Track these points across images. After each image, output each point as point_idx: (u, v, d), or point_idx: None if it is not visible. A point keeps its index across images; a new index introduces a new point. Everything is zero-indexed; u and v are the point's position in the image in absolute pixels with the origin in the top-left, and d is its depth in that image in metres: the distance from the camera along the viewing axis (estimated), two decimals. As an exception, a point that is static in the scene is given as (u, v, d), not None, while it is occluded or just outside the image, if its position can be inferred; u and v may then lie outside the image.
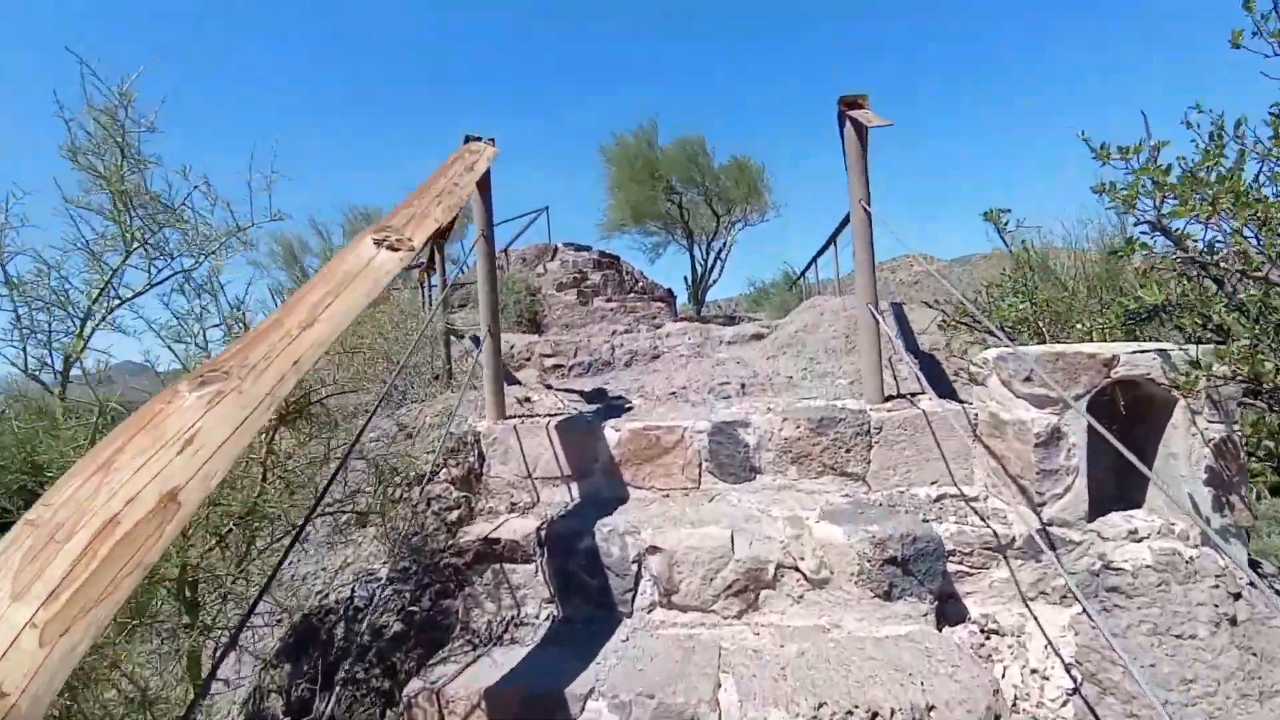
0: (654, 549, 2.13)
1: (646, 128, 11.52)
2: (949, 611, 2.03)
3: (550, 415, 2.94)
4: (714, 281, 12.00)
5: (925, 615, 1.93)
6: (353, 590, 2.43)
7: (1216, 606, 1.78)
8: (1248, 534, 2.05)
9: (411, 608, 2.29)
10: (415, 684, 1.86)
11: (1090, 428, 1.94)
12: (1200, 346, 1.95)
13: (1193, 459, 1.96)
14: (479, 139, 2.64)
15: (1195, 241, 2.32)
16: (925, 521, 2.11)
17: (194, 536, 1.68)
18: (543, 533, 2.27)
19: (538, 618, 2.19)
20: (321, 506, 2.31)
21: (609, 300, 8.14)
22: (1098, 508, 2.03)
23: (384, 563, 2.47)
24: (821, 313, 4.55)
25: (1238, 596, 1.83)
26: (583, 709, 1.69)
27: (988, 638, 1.95)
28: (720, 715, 1.61)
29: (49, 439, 1.51)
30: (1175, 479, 1.98)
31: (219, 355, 1.14)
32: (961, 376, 3.47)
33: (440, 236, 3.89)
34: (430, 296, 5.36)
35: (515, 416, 2.96)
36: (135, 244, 1.78)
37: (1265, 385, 2.05)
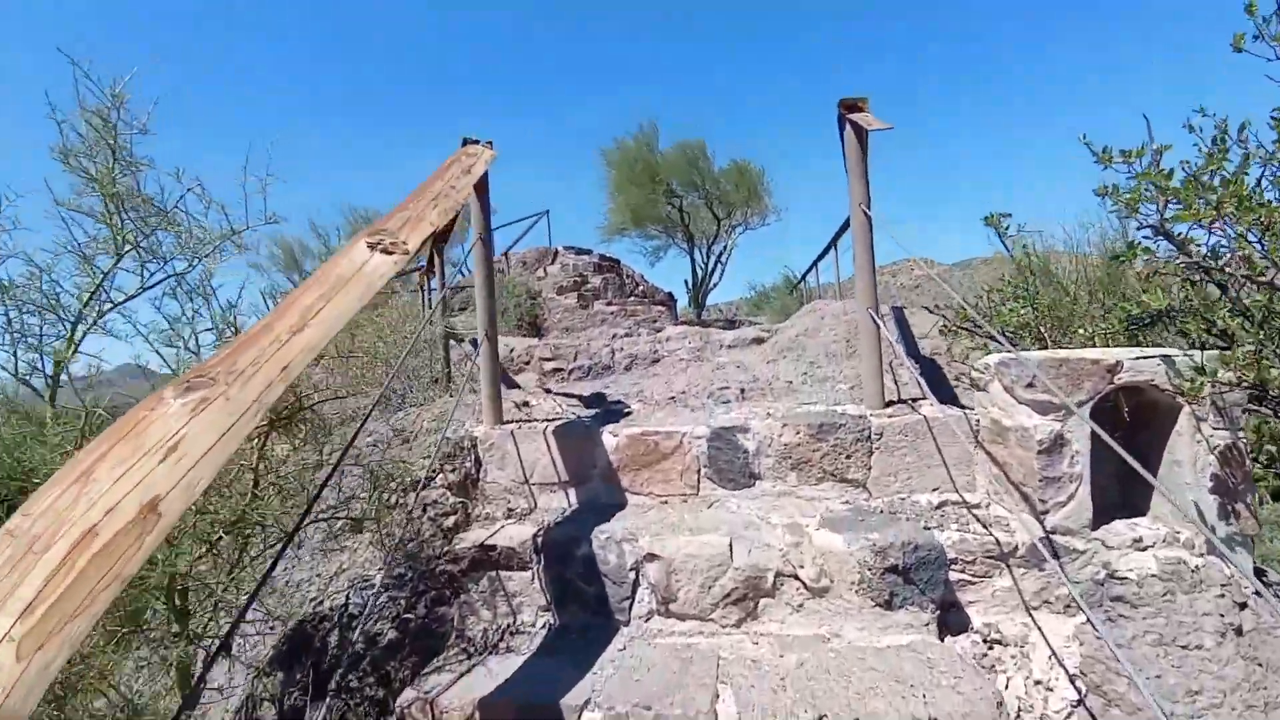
0: (652, 556, 2.10)
1: (647, 131, 11.53)
2: (951, 621, 2.00)
3: (548, 420, 2.92)
4: (714, 285, 12.01)
5: (927, 625, 1.90)
6: (347, 597, 2.40)
7: (1222, 616, 1.76)
8: (1253, 542, 2.02)
9: (407, 615, 2.27)
10: (409, 693, 1.84)
11: (1094, 434, 1.91)
12: (1205, 352, 1.93)
13: (1198, 466, 1.93)
14: (476, 141, 2.62)
15: (1199, 246, 2.30)
16: (927, 529, 2.09)
17: (182, 544, 1.65)
18: (539, 539, 2.25)
19: (534, 626, 2.16)
20: (315, 513, 2.28)
21: (609, 304, 8.11)
22: (1101, 515, 2.00)
23: (379, 569, 2.44)
24: (822, 317, 4.53)
25: (1243, 606, 1.80)
26: (578, 720, 1.66)
27: (991, 648, 1.93)
28: (718, 727, 1.59)
29: (36, 445, 1.49)
30: (1180, 486, 1.95)
31: (206, 361, 1.12)
32: (963, 382, 3.44)
33: (440, 239, 3.87)
34: (430, 300, 5.34)
35: (513, 421, 2.93)
36: (127, 247, 1.76)
37: (1271, 391, 2.02)
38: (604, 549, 2.16)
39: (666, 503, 2.54)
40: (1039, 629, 1.93)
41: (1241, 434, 1.98)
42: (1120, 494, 2.13)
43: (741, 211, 11.53)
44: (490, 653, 2.04)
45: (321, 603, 2.44)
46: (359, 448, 2.91)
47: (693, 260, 11.94)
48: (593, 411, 3.32)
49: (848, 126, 2.64)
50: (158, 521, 0.85)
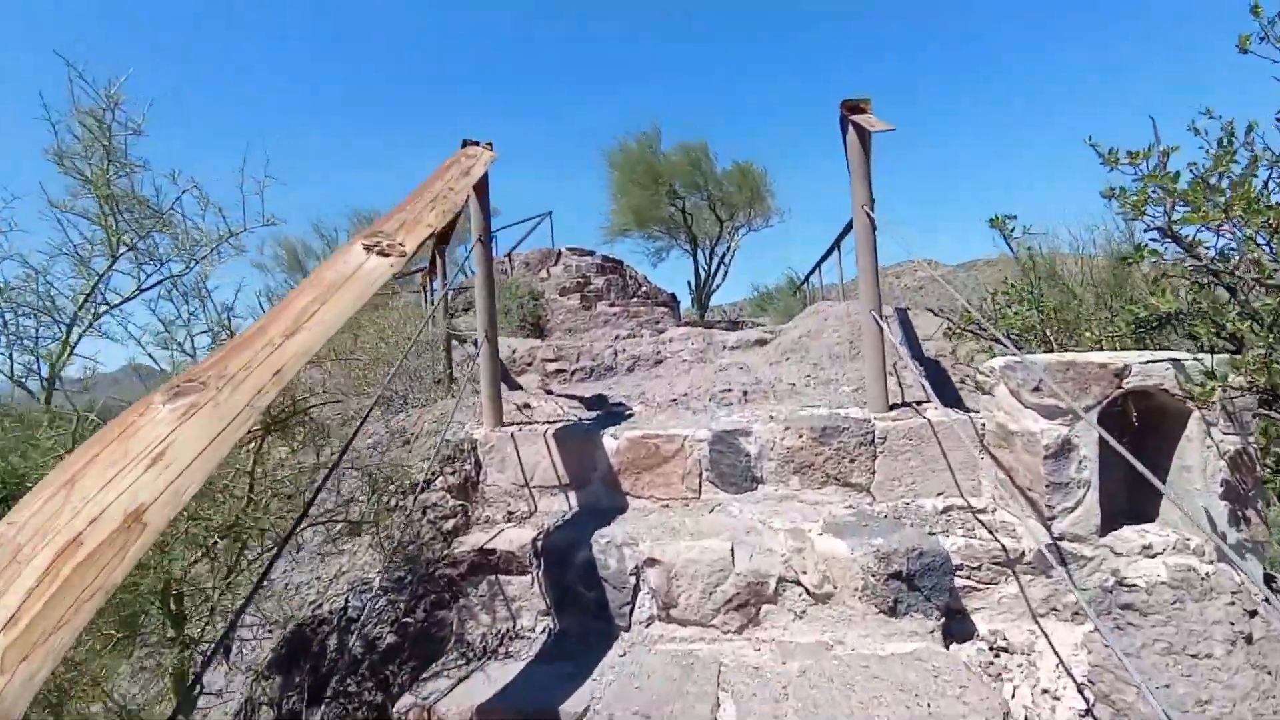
0: (652, 561, 2.08)
1: (649, 133, 11.52)
2: (956, 628, 1.97)
3: (548, 423, 2.90)
4: (717, 286, 11.99)
5: (932, 632, 1.87)
6: (346, 600, 2.38)
7: (1232, 624, 1.73)
8: (1263, 548, 1.99)
9: (406, 619, 2.25)
10: (407, 699, 1.82)
11: (1102, 440, 1.88)
12: (1215, 356, 1.90)
13: (1208, 472, 1.90)
14: (476, 143, 2.60)
15: (1207, 249, 2.27)
16: (931, 534, 2.06)
17: (175, 550, 1.63)
18: (539, 543, 2.23)
19: (534, 630, 2.14)
20: (311, 516, 2.27)
21: (612, 305, 8.10)
22: (1110, 521, 1.97)
23: (379, 572, 2.43)
24: (825, 318, 4.50)
25: (1253, 614, 1.77)
26: (577, 729, 1.64)
27: (997, 656, 1.90)
28: (719, 737, 1.56)
29: (29, 449, 1.48)
30: (1190, 492, 1.92)
31: (197, 365, 1.10)
32: (968, 384, 3.41)
33: (442, 240, 3.86)
34: (433, 300, 5.33)
35: (513, 424, 2.91)
36: (123, 249, 1.74)
37: (1282, 395, 2.00)
38: (604, 553, 2.14)
39: (668, 506, 2.51)
40: (1046, 637, 1.90)
41: (1252, 439, 1.95)
42: (1128, 499, 2.10)
43: (744, 212, 11.51)
44: (489, 658, 2.02)
45: (320, 606, 2.42)
46: (359, 450, 2.89)
47: (695, 261, 11.93)
48: (594, 414, 3.30)
49: (850, 128, 2.62)
50: (142, 531, 0.83)
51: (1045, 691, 1.79)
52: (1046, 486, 1.94)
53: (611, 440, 2.61)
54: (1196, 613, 1.75)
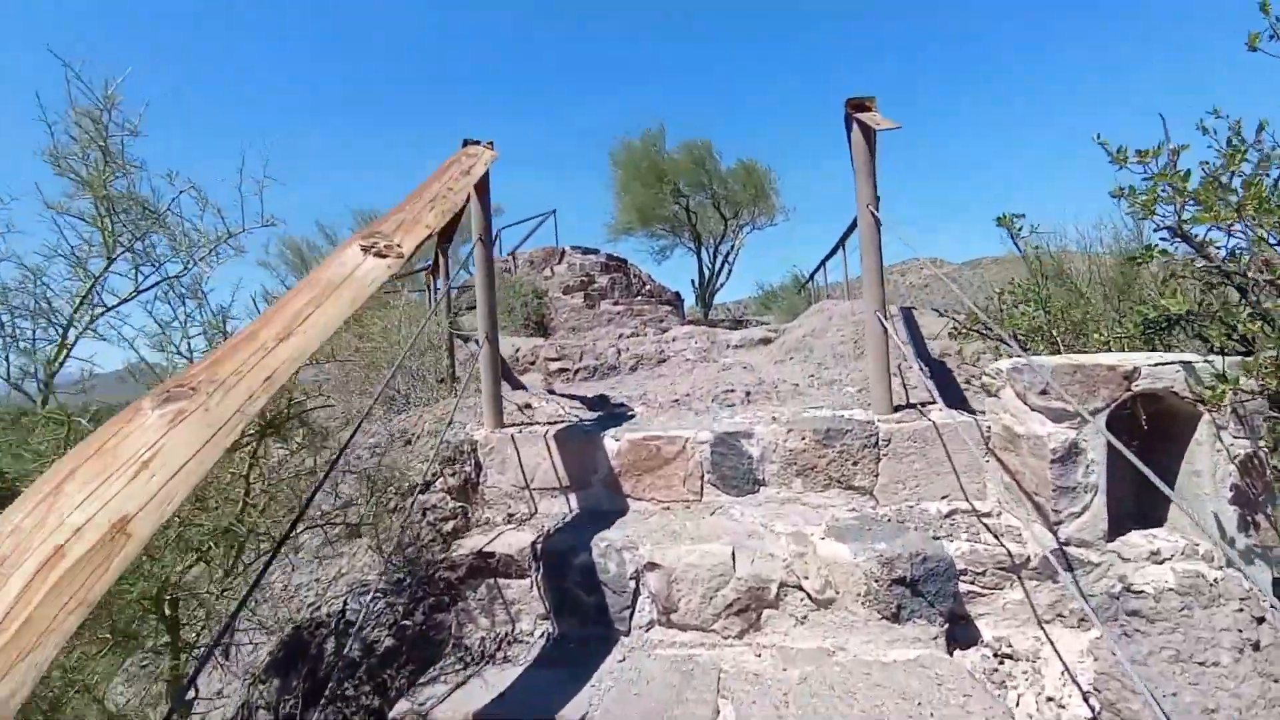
0: (653, 565, 2.06)
1: (654, 131, 11.48)
2: (960, 634, 1.94)
3: (549, 424, 2.88)
4: (721, 285, 11.94)
5: (935, 638, 1.85)
6: (345, 603, 2.37)
7: (1240, 632, 1.70)
8: (1272, 553, 1.96)
9: (404, 622, 2.24)
10: (403, 705, 1.80)
11: (1109, 444, 1.85)
12: (1226, 358, 1.86)
13: (1217, 476, 1.86)
14: (477, 142, 2.58)
15: (1218, 249, 2.23)
16: (935, 539, 2.03)
17: (164, 558, 1.62)
18: (539, 546, 2.21)
19: (532, 635, 2.12)
20: (310, 519, 2.26)
21: (616, 303, 8.07)
22: (1117, 526, 1.94)
23: (378, 574, 2.41)
24: (830, 317, 4.47)
25: (1261, 620, 1.74)
26: (575, 736, 1.62)
27: (1001, 662, 1.87)
28: (718, 745, 1.54)
29: (20, 452, 1.47)
30: (1199, 497, 1.89)
31: (187, 370, 1.09)
32: (973, 385, 3.38)
33: (444, 239, 3.84)
34: (437, 299, 5.32)
35: (514, 425, 2.90)
36: (120, 250, 1.73)
37: (1294, 399, 1.96)
38: (604, 557, 2.12)
39: (668, 509, 2.49)
40: (1051, 644, 1.87)
41: (1262, 443, 1.91)
42: (1135, 503, 2.07)
43: (749, 211, 11.45)
44: (487, 662, 2.00)
45: (319, 608, 2.41)
46: (359, 452, 2.88)
47: (700, 260, 11.89)
48: (595, 414, 3.28)
49: (855, 126, 2.58)
50: (126, 542, 0.81)
51: (1050, 699, 1.77)
52: (1053, 491, 1.91)
53: (612, 442, 2.59)
54: (1204, 620, 1.72)
